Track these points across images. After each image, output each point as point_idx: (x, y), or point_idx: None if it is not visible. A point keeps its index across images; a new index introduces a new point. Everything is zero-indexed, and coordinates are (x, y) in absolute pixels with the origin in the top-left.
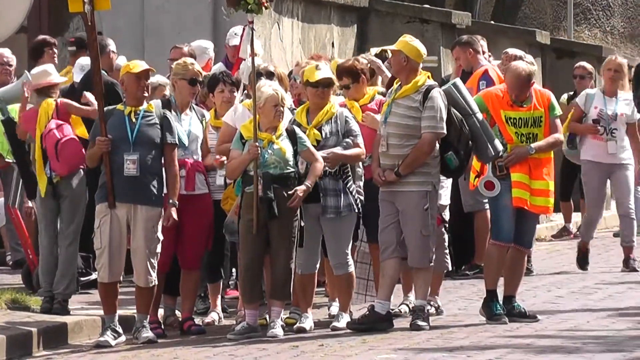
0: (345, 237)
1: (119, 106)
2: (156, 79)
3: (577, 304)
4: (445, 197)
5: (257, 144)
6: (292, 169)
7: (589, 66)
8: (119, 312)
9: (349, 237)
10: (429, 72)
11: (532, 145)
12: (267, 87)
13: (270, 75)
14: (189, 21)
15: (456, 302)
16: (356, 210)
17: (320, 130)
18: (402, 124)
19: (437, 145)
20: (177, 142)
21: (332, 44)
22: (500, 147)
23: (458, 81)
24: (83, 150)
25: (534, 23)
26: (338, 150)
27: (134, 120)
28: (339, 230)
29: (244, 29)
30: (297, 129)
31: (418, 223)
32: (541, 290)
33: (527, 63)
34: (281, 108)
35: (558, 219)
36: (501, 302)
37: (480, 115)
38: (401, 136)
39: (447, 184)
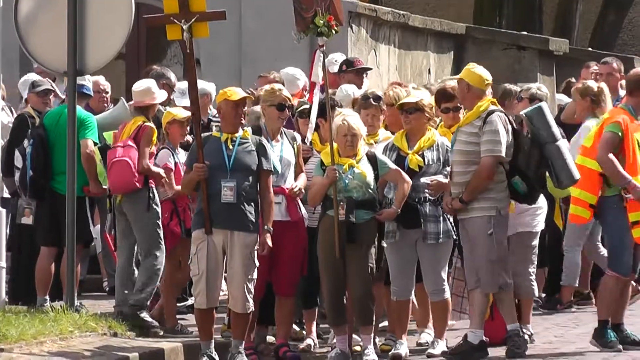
0: (442, 263)
1: (215, 133)
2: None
3: None
4: (540, 223)
5: (334, 167)
6: (374, 194)
7: None
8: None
9: (446, 263)
10: (493, 98)
11: None
12: (338, 117)
13: (377, 99)
14: (285, 49)
15: (552, 329)
16: (454, 237)
17: (422, 156)
18: (464, 150)
19: (504, 169)
20: (273, 169)
21: (429, 70)
22: (577, 175)
23: (544, 105)
24: (135, 174)
25: (632, 50)
26: (440, 178)
27: (230, 147)
28: (437, 256)
29: (314, 53)
30: (379, 154)
31: (483, 249)
32: None
33: None
34: (350, 137)
35: None
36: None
37: (562, 142)
38: (463, 163)
39: (542, 210)
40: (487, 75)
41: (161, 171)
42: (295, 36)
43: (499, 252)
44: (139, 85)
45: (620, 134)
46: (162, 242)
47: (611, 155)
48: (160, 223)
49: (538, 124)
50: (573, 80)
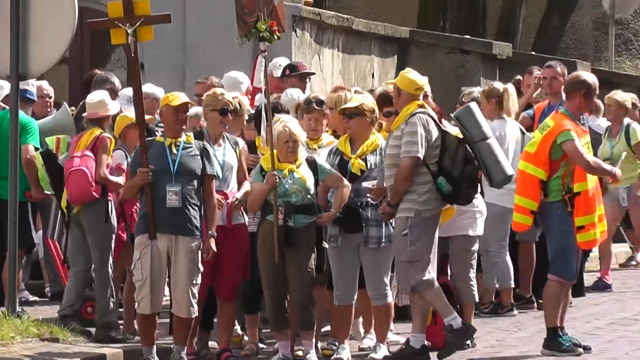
0: (385, 267)
1: (159, 137)
2: (194, 110)
3: (615, 335)
4: (480, 228)
5: (274, 172)
6: (313, 199)
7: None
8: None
9: (389, 267)
10: (422, 102)
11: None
12: (277, 123)
13: (320, 103)
14: (230, 52)
15: (494, 333)
16: None
17: (365, 160)
18: (391, 154)
19: (429, 170)
20: (216, 173)
21: (373, 74)
22: (510, 171)
23: (473, 105)
24: (92, 184)
25: (575, 54)
26: (382, 182)
27: (174, 151)
28: (379, 260)
29: (256, 58)
30: (318, 159)
31: (397, 249)
32: (579, 321)
33: None
34: (291, 143)
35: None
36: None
37: (492, 140)
38: (392, 166)
39: (482, 214)
40: (419, 80)
41: (120, 179)
42: (237, 40)
43: (413, 254)
44: (92, 98)
45: (575, 140)
46: (112, 255)
47: (591, 156)
48: (114, 237)
49: (467, 123)
50: (519, 77)
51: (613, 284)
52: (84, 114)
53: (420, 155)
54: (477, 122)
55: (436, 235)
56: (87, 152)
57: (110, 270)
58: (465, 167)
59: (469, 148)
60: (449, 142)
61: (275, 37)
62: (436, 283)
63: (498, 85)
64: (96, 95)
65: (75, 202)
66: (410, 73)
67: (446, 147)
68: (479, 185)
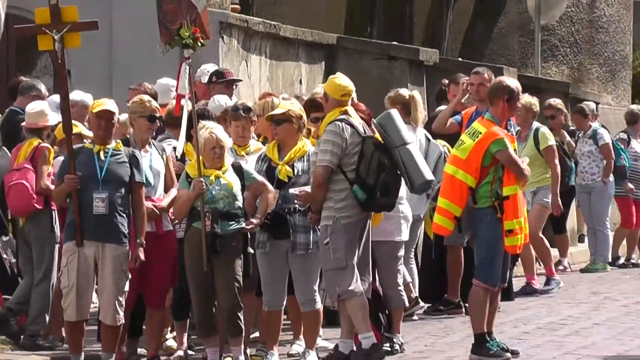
0: (313, 274)
1: (88, 144)
2: (122, 117)
3: (543, 339)
4: (405, 234)
5: (201, 179)
6: (240, 205)
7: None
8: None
9: (317, 274)
10: (345, 108)
11: None
12: (203, 130)
13: (247, 110)
14: (157, 59)
15: (423, 338)
16: None
17: (292, 167)
18: (314, 160)
19: (346, 178)
20: (145, 180)
21: (300, 81)
22: (430, 177)
23: (393, 111)
24: (33, 195)
25: (502, 60)
26: (309, 188)
27: (102, 158)
28: (307, 266)
29: (180, 65)
30: (243, 164)
31: (322, 258)
32: (507, 326)
33: None
34: (218, 150)
35: None
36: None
37: (412, 146)
38: (313, 173)
39: (407, 220)
40: (345, 86)
41: None
42: (160, 48)
43: (337, 262)
44: (32, 107)
45: (509, 148)
46: (55, 268)
47: (521, 161)
48: (57, 247)
49: (388, 129)
50: (446, 81)
51: (540, 288)
52: (23, 124)
53: (330, 164)
54: (397, 128)
55: (366, 241)
56: (26, 165)
57: (54, 280)
58: (379, 175)
59: (389, 154)
60: (366, 149)
61: (199, 44)
62: (361, 295)
63: (404, 91)
64: (36, 105)
65: (18, 214)
66: (338, 78)
67: (363, 154)
68: (396, 192)
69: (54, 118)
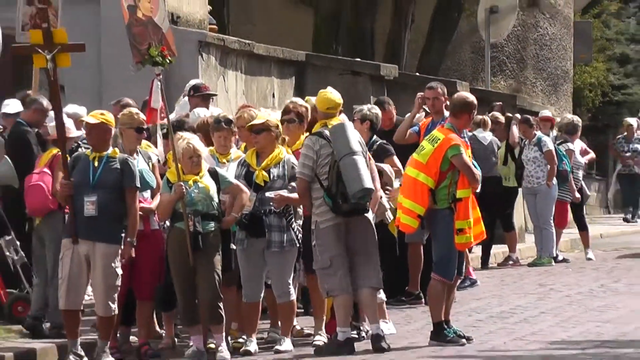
0: (287, 269)
1: (87, 152)
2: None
3: (495, 327)
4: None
5: (181, 183)
6: (216, 206)
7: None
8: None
9: (291, 269)
10: (329, 120)
11: None
12: (181, 140)
13: (229, 122)
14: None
15: None
16: (297, 245)
17: (268, 172)
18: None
19: (321, 186)
20: (139, 184)
21: (273, 94)
22: (369, 185)
23: (347, 122)
24: (49, 197)
25: (456, 74)
26: (284, 192)
27: (96, 165)
28: (282, 263)
29: (152, 82)
30: (219, 169)
31: (313, 259)
32: (463, 315)
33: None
34: (195, 158)
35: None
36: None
37: (359, 156)
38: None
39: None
40: (331, 100)
41: None
42: (132, 67)
43: (322, 262)
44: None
45: (463, 154)
46: None
47: (473, 167)
48: None
49: (338, 139)
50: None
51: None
52: (48, 137)
53: (303, 176)
54: (346, 138)
55: (364, 243)
56: (45, 169)
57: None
58: (337, 184)
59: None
60: (332, 160)
61: (167, 60)
62: (346, 293)
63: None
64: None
65: (34, 213)
66: (326, 93)
67: (330, 164)
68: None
69: (75, 132)
